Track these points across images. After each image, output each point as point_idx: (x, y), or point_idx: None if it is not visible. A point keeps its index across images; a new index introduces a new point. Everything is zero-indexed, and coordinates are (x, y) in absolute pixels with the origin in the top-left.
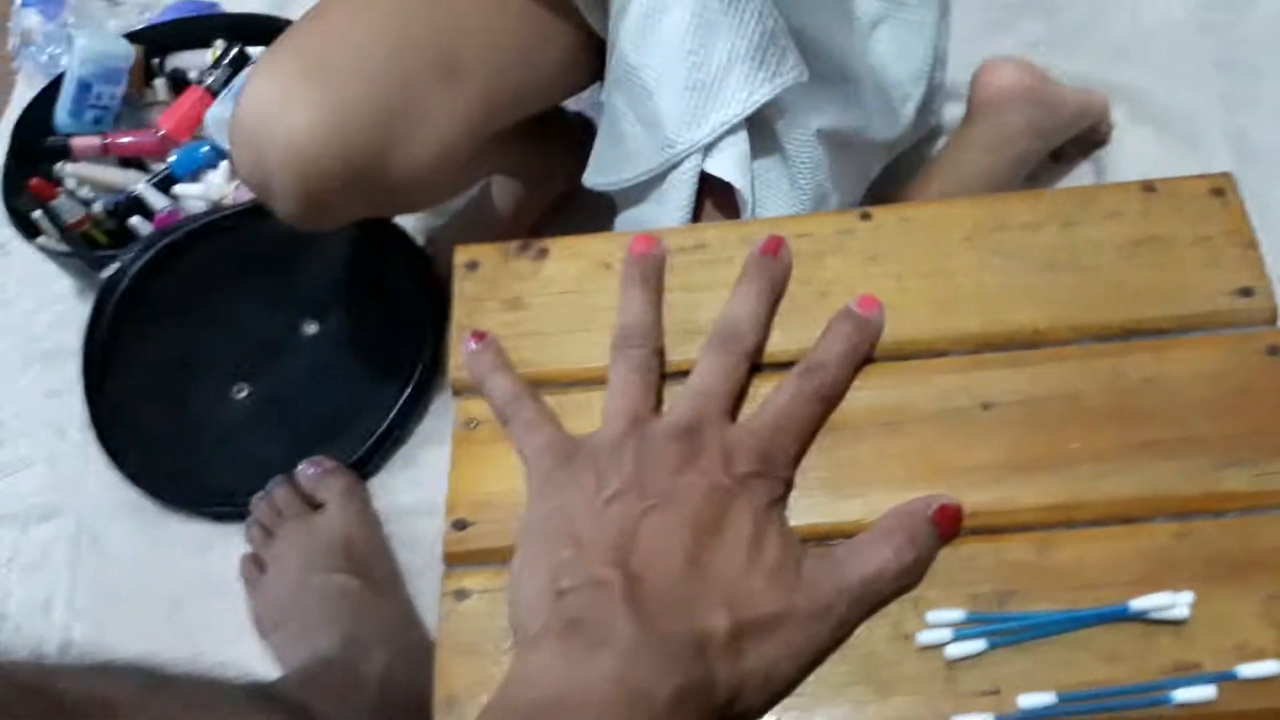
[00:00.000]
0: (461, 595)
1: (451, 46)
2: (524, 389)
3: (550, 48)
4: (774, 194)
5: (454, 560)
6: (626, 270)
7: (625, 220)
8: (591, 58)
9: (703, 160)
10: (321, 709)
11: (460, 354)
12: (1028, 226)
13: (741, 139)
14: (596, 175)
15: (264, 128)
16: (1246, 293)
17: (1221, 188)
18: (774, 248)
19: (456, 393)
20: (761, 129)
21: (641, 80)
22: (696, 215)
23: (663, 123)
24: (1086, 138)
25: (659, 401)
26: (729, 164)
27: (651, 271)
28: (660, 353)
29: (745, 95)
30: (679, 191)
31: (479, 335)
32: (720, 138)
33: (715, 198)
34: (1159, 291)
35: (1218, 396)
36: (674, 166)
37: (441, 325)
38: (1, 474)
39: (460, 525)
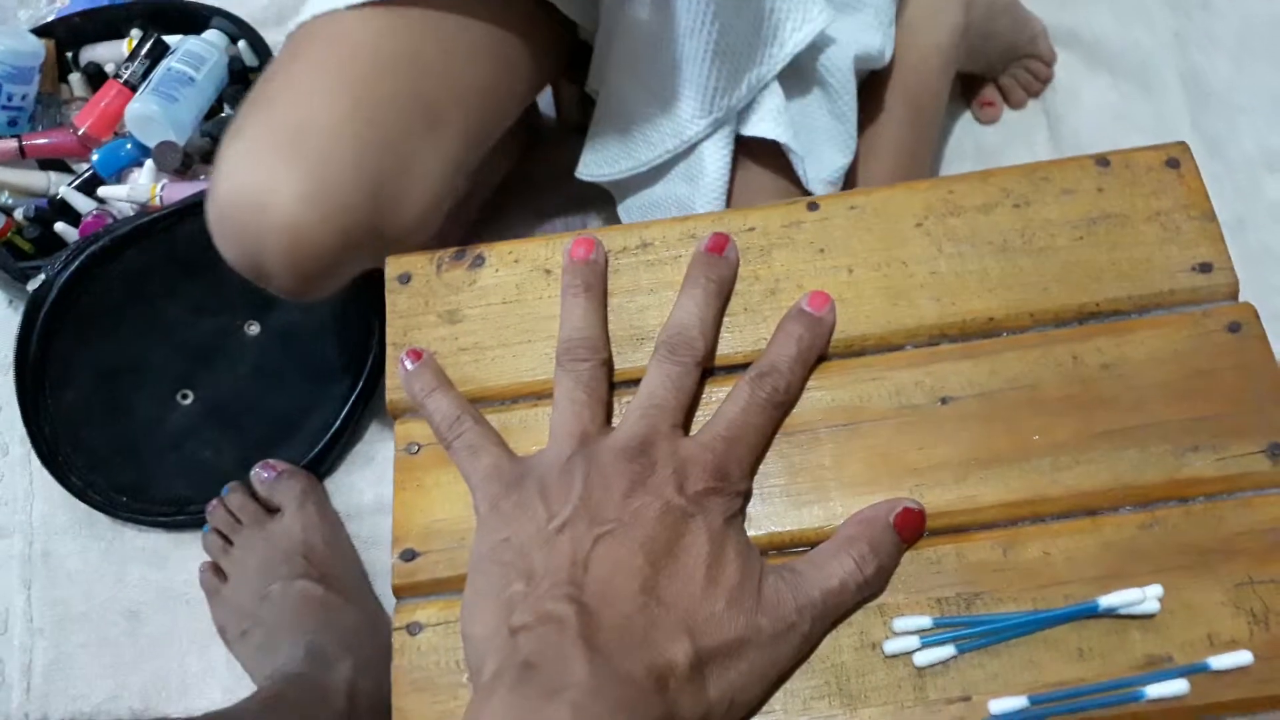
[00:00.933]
0: (414, 629)
1: (428, 95)
2: (465, 409)
3: (522, 65)
4: (821, 138)
5: (404, 593)
6: (567, 278)
7: (637, 208)
8: (560, 57)
9: (737, 125)
10: None
11: (396, 373)
12: (980, 209)
13: (775, 91)
14: (603, 166)
15: (249, 213)
16: (1205, 268)
17: (1176, 158)
18: (719, 246)
19: (395, 415)
20: (796, 73)
21: (660, 58)
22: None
23: (689, 96)
24: (1028, 66)
25: (608, 416)
26: (769, 122)
27: (594, 278)
28: (607, 364)
29: (791, 37)
30: (715, 163)
31: (415, 354)
32: (754, 97)
33: (748, 163)
34: (1116, 271)
35: (1178, 379)
36: (705, 138)
37: (384, 322)
38: None
39: (408, 556)
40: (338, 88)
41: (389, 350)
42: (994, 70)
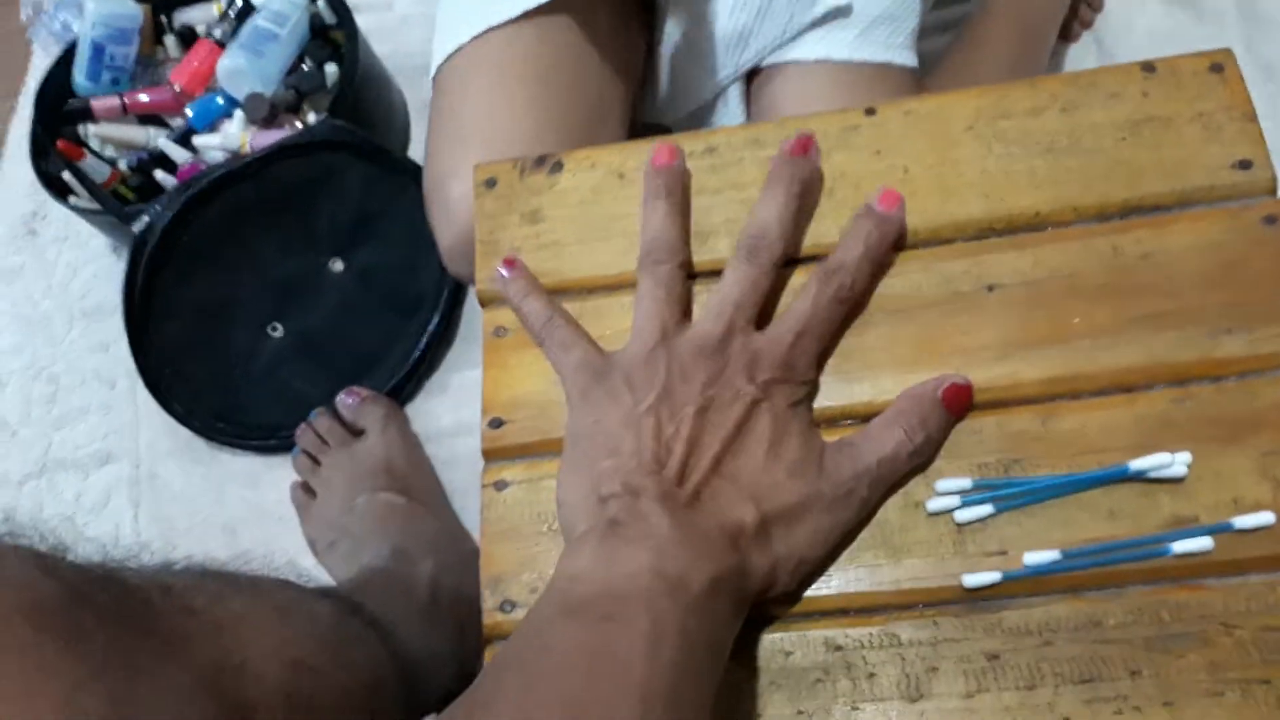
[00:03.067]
0: (500, 486)
1: (591, 90)
2: (556, 311)
3: (634, 43)
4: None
5: (491, 456)
6: (648, 183)
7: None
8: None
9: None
10: (376, 606)
11: (493, 278)
12: (1029, 112)
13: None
14: (661, 110)
15: (436, 195)
16: (1245, 165)
17: (1220, 63)
18: (803, 147)
19: (483, 304)
20: None
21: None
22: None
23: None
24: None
25: (686, 312)
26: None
27: (674, 183)
28: (685, 265)
29: None
30: (735, 101)
31: (510, 262)
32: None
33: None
34: (1159, 169)
35: (1213, 268)
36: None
37: None
38: (58, 426)
39: (496, 424)
40: (519, 97)
41: (478, 247)
42: None
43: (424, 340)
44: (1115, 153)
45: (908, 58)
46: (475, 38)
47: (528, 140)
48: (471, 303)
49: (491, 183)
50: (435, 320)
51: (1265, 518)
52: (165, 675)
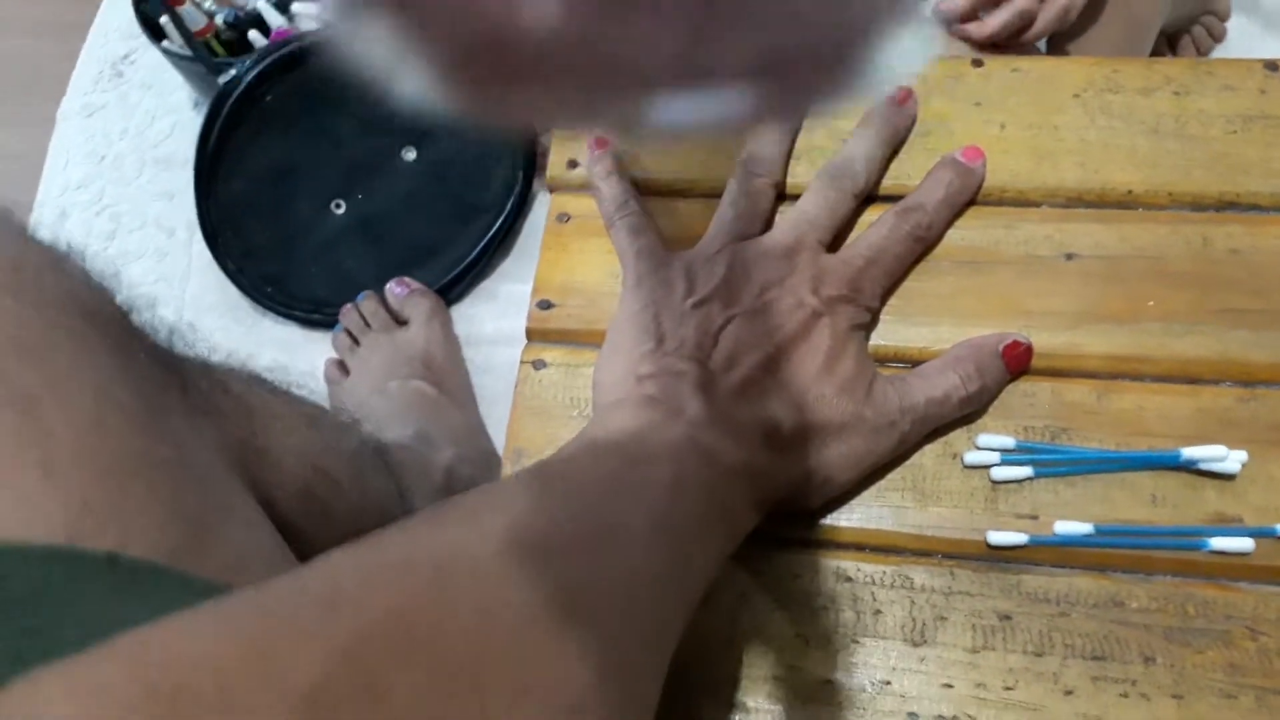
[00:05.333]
0: (539, 365)
1: None
2: (633, 196)
3: None
4: None
5: (534, 336)
6: None
7: None
8: None
9: None
10: (395, 466)
11: (573, 160)
12: (1140, 91)
13: None
14: None
15: None
16: None
17: None
18: (904, 98)
19: (552, 189)
20: None
21: None
22: None
23: None
24: (1204, 22)
25: (765, 229)
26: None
27: None
28: (778, 186)
29: None
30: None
31: (601, 142)
32: None
33: None
34: (1264, 168)
35: None
36: None
37: (531, 171)
38: (112, 264)
39: (545, 305)
40: None
41: (555, 139)
42: (1173, 25)
43: (482, 244)
44: (1221, 144)
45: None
46: None
47: None
48: (534, 217)
49: None
50: (497, 225)
51: None
52: (206, 428)
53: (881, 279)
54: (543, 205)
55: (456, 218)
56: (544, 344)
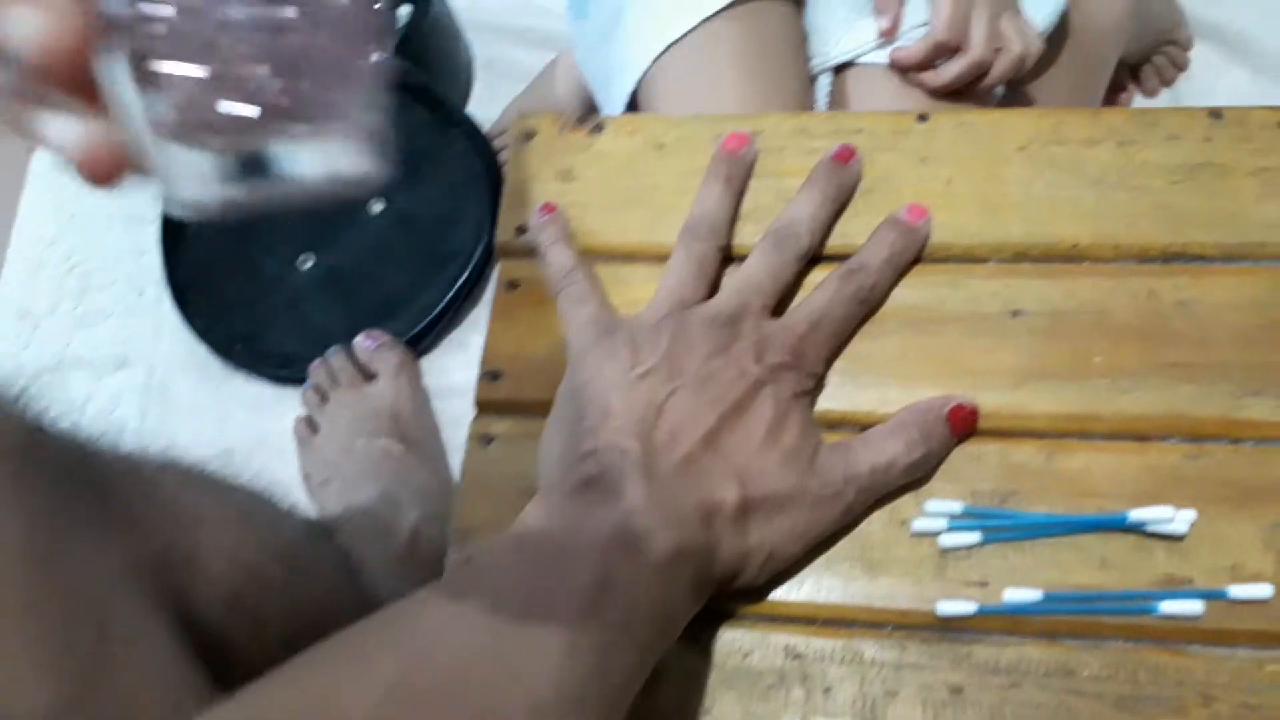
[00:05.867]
0: (486, 440)
1: (798, 73)
2: (579, 264)
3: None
4: None
5: (484, 408)
6: (714, 164)
7: None
8: None
9: None
10: (351, 544)
11: (522, 225)
12: (1085, 142)
13: None
14: None
15: None
16: None
17: None
18: (846, 156)
19: (500, 255)
20: None
21: None
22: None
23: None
24: (1167, 53)
25: (710, 294)
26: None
27: (737, 170)
28: (724, 250)
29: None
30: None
31: (548, 207)
32: None
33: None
34: (1210, 218)
35: (1251, 326)
36: None
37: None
38: (81, 325)
39: (493, 376)
40: (740, 87)
41: (505, 197)
42: (1134, 56)
43: (450, 294)
44: (1166, 195)
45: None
46: (690, 31)
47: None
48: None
49: (530, 135)
50: (465, 275)
51: (1263, 590)
52: (104, 546)
53: (825, 344)
54: None
55: (425, 268)
56: (492, 416)
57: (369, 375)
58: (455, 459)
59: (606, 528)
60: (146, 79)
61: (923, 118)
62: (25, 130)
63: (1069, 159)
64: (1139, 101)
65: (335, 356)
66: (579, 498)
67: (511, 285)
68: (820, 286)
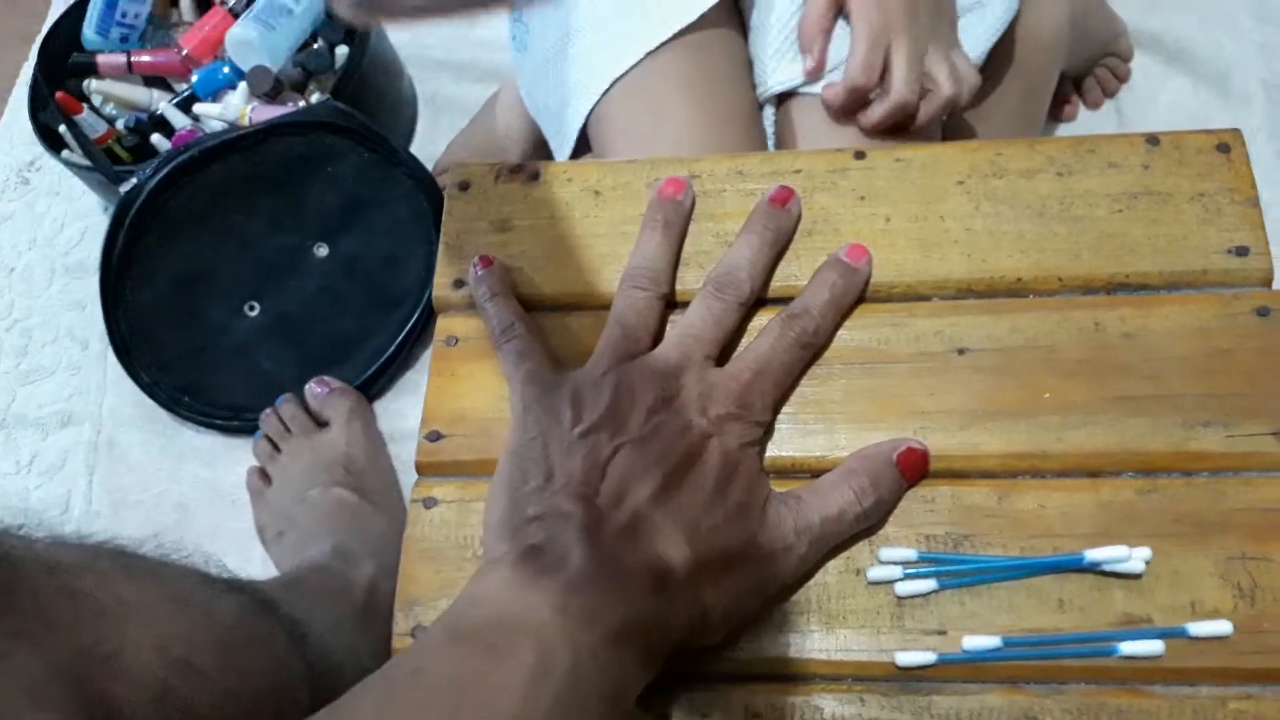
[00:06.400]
0: (429, 504)
1: (748, 105)
2: (520, 317)
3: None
4: None
5: (425, 470)
6: (651, 211)
7: None
8: None
9: None
10: (303, 609)
11: (457, 279)
12: (1023, 173)
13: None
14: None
15: None
16: (1241, 251)
17: (1228, 143)
18: (784, 198)
19: (439, 309)
20: None
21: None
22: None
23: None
24: (1108, 64)
25: (654, 344)
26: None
27: (675, 216)
28: (665, 298)
29: None
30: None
31: (486, 260)
32: None
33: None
34: (1151, 246)
35: (1198, 355)
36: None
37: None
38: (24, 381)
39: (434, 437)
40: (685, 117)
41: (441, 250)
42: (1075, 69)
43: (400, 336)
44: (1107, 224)
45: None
46: (638, 64)
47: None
48: None
49: (464, 185)
50: (415, 316)
51: (1222, 626)
52: (15, 655)
53: (770, 391)
54: None
55: (374, 311)
56: (435, 478)
57: (321, 422)
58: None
59: (546, 607)
60: None
61: (860, 155)
62: None
63: (1008, 191)
64: (1083, 112)
65: (285, 405)
66: (523, 568)
67: (450, 341)
68: (763, 333)
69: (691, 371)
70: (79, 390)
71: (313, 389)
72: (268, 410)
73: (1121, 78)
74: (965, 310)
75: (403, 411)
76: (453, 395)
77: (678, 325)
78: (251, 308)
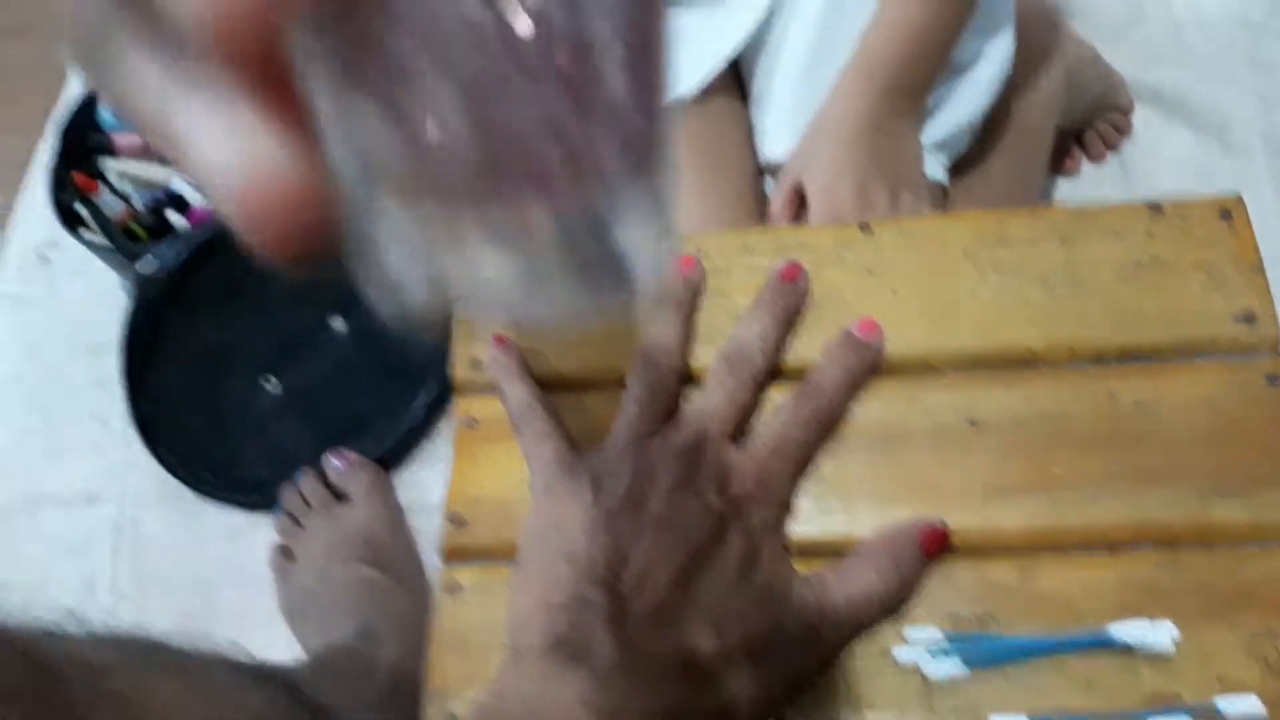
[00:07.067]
0: (454, 589)
1: (750, 171)
2: (538, 399)
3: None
4: None
5: (449, 556)
6: None
7: None
8: None
9: None
10: (329, 694)
11: (474, 360)
12: (1028, 243)
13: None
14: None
15: None
16: (1249, 318)
17: (1230, 210)
18: (793, 275)
19: (458, 391)
20: None
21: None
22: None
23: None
24: (1108, 118)
25: (670, 420)
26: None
27: (686, 293)
28: (679, 373)
29: None
30: None
31: (501, 340)
32: None
33: None
34: (1159, 315)
35: (1212, 424)
36: None
37: None
38: (49, 460)
39: (458, 522)
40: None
41: (456, 330)
42: (1076, 122)
43: (419, 409)
44: (1114, 293)
45: (943, 176)
46: None
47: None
48: None
49: None
50: (434, 390)
51: (1251, 703)
52: None
53: (788, 470)
54: None
55: (392, 383)
56: (459, 564)
57: (341, 497)
58: (435, 575)
59: (579, 695)
60: (372, 86)
61: (865, 228)
62: (165, 128)
63: (1014, 261)
64: (1086, 165)
65: (306, 480)
66: (549, 660)
67: (469, 423)
68: (778, 411)
69: (709, 450)
70: (103, 469)
71: (332, 463)
72: (287, 486)
73: (1123, 130)
74: (977, 382)
75: (421, 482)
76: (474, 479)
77: (694, 403)
78: (270, 382)
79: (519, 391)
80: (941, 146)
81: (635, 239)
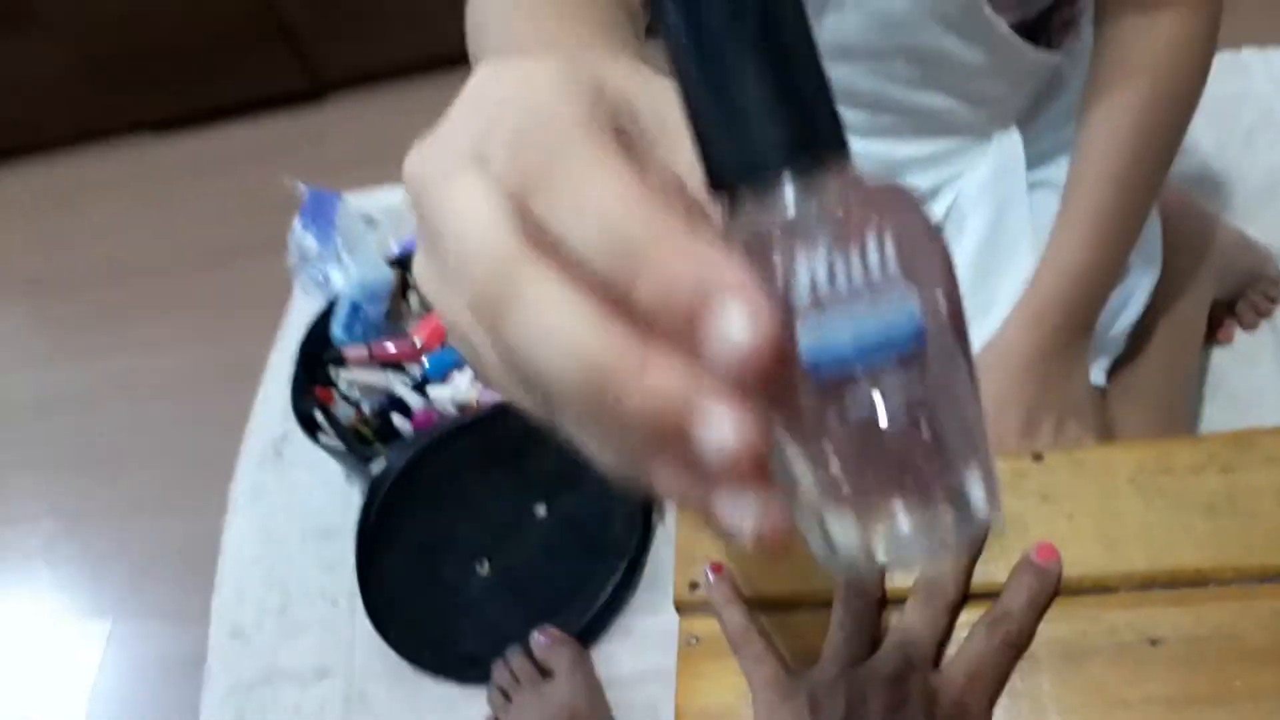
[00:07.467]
0: None
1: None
2: (753, 624)
3: None
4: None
5: None
6: None
7: None
8: None
9: None
10: None
11: (693, 582)
12: (1190, 469)
13: None
14: None
15: None
16: None
17: None
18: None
19: (679, 611)
20: None
21: None
22: None
23: None
24: (1259, 288)
25: (874, 644)
26: None
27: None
28: (880, 602)
29: None
30: None
31: (717, 567)
32: None
33: None
34: None
35: None
36: None
37: (649, 508)
38: (285, 637)
39: None
40: None
41: (677, 555)
42: (1227, 295)
43: (612, 584)
44: (1274, 518)
45: (1102, 380)
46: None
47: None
48: (656, 550)
49: None
50: (625, 563)
51: None
52: None
53: (985, 692)
54: (664, 540)
55: (587, 561)
56: None
57: (546, 672)
58: None
59: None
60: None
61: (1038, 458)
62: (709, 511)
63: (1177, 488)
64: (1240, 335)
65: (514, 657)
66: None
67: (691, 640)
68: (970, 637)
69: (915, 677)
70: (332, 645)
71: (537, 639)
72: (498, 662)
73: (1274, 299)
74: (1152, 601)
75: (615, 657)
76: (700, 693)
77: (896, 631)
78: (482, 566)
79: (735, 616)
80: (1101, 350)
81: (979, 505)
